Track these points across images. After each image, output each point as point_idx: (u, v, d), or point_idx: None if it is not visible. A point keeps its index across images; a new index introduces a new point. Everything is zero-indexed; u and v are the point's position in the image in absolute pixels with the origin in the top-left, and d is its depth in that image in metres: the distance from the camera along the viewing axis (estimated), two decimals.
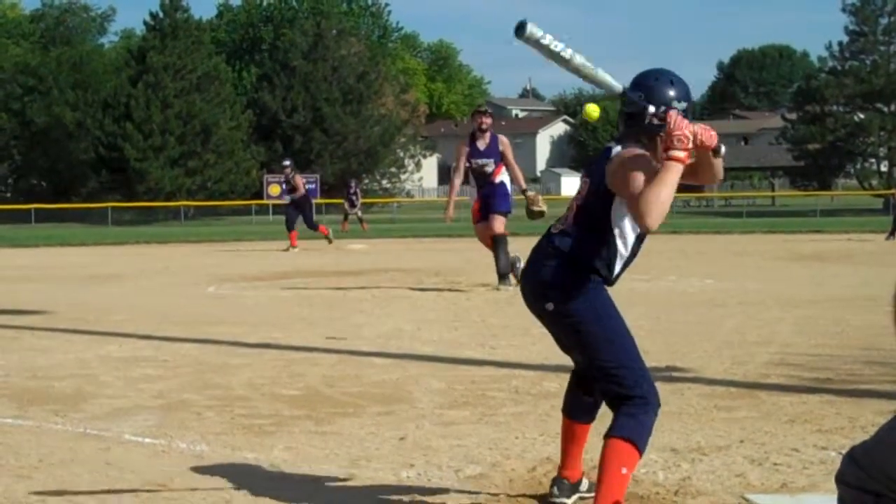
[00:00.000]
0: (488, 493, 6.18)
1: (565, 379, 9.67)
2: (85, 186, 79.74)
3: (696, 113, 6.48)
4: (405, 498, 6.13)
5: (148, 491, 6.35)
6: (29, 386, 9.87)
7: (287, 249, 32.38)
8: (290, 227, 33.28)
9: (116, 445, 7.52)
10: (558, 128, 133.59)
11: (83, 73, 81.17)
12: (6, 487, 6.50)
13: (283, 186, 36.35)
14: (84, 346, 12.48)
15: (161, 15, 76.70)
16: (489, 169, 19.35)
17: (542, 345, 11.81)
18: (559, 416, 8.24)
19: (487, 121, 19.42)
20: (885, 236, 34.37)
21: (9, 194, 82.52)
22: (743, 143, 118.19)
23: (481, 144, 19.34)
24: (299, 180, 34.43)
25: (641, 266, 23.04)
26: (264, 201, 71.09)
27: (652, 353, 11.11)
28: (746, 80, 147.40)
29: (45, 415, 8.57)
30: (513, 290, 16.55)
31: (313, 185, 75.69)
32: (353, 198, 48.78)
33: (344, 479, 6.56)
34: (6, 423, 8.31)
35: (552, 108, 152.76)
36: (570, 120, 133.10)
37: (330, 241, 34.03)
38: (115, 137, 72.76)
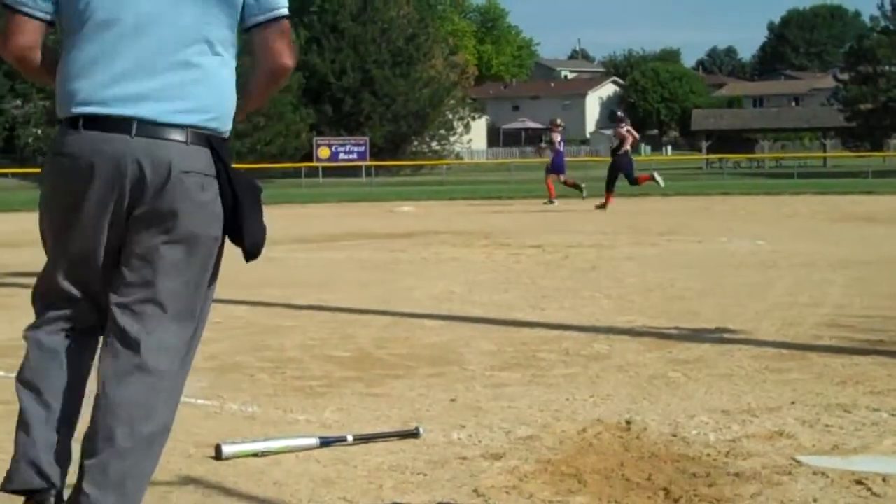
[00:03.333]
0: (539, 455, 6.18)
1: (615, 341, 9.72)
2: None
3: (748, 73, 6.50)
4: (456, 459, 6.14)
5: (201, 451, 6.39)
6: None
7: None
8: None
9: None
10: (608, 89, 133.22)
11: None
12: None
13: None
14: None
15: None
16: None
17: (593, 307, 11.84)
18: (609, 377, 8.25)
19: None
20: None
21: None
22: (794, 104, 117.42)
23: None
24: None
25: (693, 228, 23.02)
26: (314, 164, 71.10)
27: (702, 314, 11.11)
28: (797, 41, 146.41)
29: None
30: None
31: (363, 148, 75.75)
32: None
33: (389, 445, 6.57)
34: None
35: (602, 70, 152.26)
36: (620, 81, 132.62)
37: None
38: None
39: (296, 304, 12.58)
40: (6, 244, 23.22)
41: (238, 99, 4.84)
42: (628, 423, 6.79)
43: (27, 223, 29.34)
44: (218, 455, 6.09)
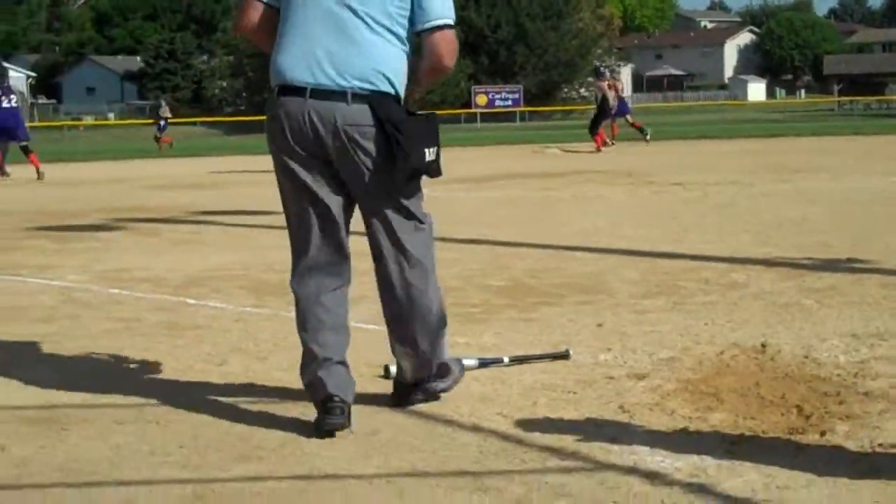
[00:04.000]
0: (679, 375, 6.18)
1: (752, 271, 9.64)
2: None
3: (878, 20, 6.40)
4: (603, 379, 6.16)
5: (371, 371, 6.49)
6: (264, 278, 10.09)
7: None
8: None
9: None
10: (744, 37, 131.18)
11: None
12: (247, 367, 6.69)
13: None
14: None
15: None
16: None
17: (731, 240, 11.74)
18: (746, 304, 8.19)
19: None
20: None
21: (243, 107, 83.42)
22: None
23: None
24: None
25: (826, 166, 22.58)
26: (472, 110, 71.08)
27: (834, 246, 10.96)
28: None
29: (280, 304, 8.75)
30: None
31: (517, 96, 75.62)
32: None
33: (542, 365, 6.60)
34: (245, 311, 8.54)
35: (738, 20, 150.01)
36: (756, 30, 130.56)
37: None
38: None
39: (456, 237, 12.62)
40: (195, 186, 23.60)
41: (407, 85, 5.48)
42: (763, 346, 6.75)
43: (213, 166, 29.70)
44: (386, 374, 6.18)
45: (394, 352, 5.75)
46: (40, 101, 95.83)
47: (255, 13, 5.50)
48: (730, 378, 6.07)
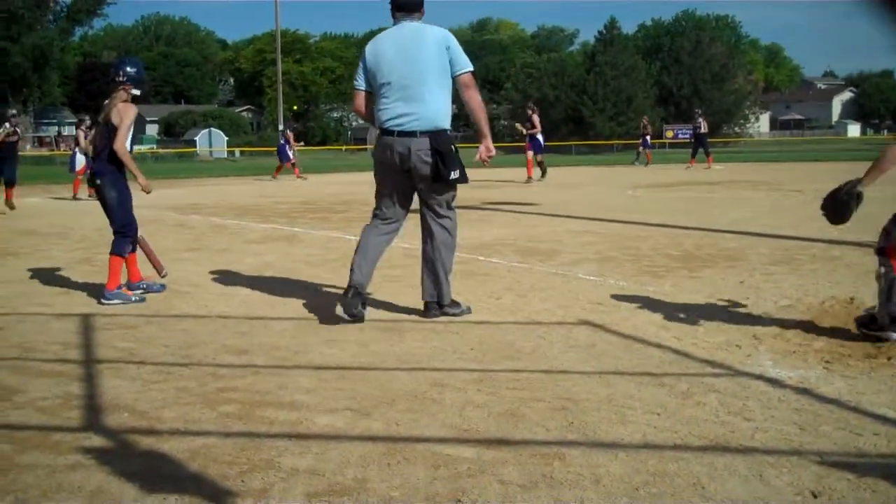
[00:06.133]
0: (794, 316, 5.95)
1: (845, 248, 9.19)
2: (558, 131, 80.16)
3: None
4: (742, 316, 5.99)
5: (594, 304, 6.46)
6: (526, 246, 10.13)
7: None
8: None
9: (573, 280, 7.66)
10: (846, 95, 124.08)
11: (562, 67, 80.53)
12: (514, 301, 6.73)
13: None
14: (557, 224, 12.69)
15: (605, 32, 75.67)
16: None
17: (832, 229, 11.20)
18: (840, 271, 7.82)
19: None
20: None
21: (517, 138, 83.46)
22: None
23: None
24: None
25: None
26: (662, 139, 69.56)
27: None
28: None
29: (536, 262, 8.78)
30: None
31: (691, 132, 73.85)
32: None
33: (702, 306, 6.45)
34: (514, 265, 8.58)
35: (843, 82, 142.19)
36: (854, 90, 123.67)
37: None
38: (578, 104, 72.78)
39: (649, 222, 12.43)
40: (483, 186, 23.81)
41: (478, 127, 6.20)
42: (852, 299, 6.45)
43: (496, 173, 29.78)
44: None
45: (423, 281, 6.14)
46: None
47: (360, 99, 6.06)
48: (828, 319, 5.83)
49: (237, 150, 64.15)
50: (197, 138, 70.86)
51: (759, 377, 4.47)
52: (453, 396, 4.18)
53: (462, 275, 7.99)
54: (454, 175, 5.92)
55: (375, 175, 6.13)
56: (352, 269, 6.00)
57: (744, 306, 6.36)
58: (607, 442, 3.54)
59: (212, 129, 72.82)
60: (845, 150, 53.31)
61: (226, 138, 70.69)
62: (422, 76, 5.79)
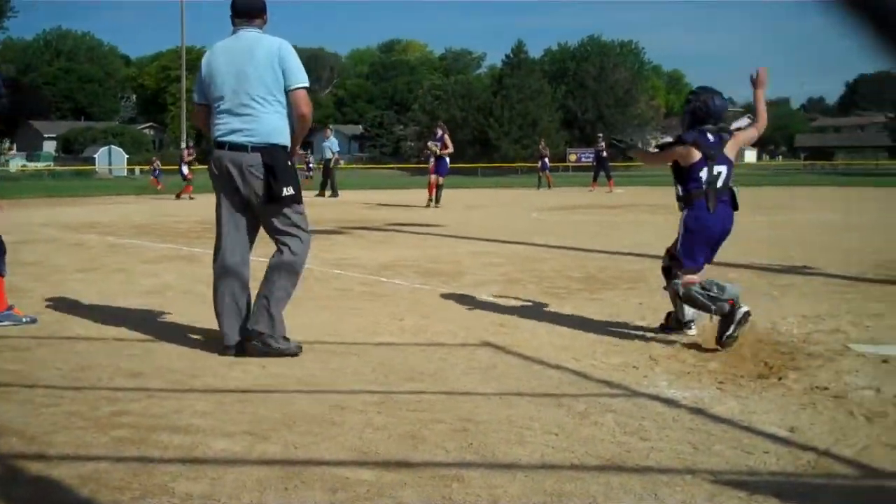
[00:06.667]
0: (689, 337, 6.08)
1: (740, 271, 9.42)
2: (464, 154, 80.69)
3: (831, 112, 6.29)
4: (639, 338, 6.10)
5: (497, 326, 6.50)
6: (429, 267, 10.16)
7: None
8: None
9: (476, 301, 7.70)
10: (744, 121, 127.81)
11: (469, 90, 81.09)
12: (416, 322, 6.73)
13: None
14: (457, 245, 12.76)
15: (512, 55, 76.55)
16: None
17: (728, 252, 11.47)
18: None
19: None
20: None
21: (423, 159, 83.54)
22: (860, 131, 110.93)
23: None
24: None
25: (792, 206, 21.76)
26: (566, 163, 70.42)
27: (794, 256, 10.70)
28: (864, 92, 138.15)
29: (439, 283, 8.81)
30: None
31: (594, 154, 75.00)
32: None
33: (602, 327, 6.55)
34: (417, 287, 8.60)
35: (741, 109, 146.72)
36: (751, 116, 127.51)
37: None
38: (485, 127, 73.35)
39: (551, 245, 12.58)
40: (388, 206, 23.73)
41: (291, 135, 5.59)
42: None
43: (401, 196, 29.62)
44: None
45: (254, 308, 5.60)
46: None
47: (201, 114, 5.77)
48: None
49: (137, 168, 62.95)
50: (96, 156, 69.39)
51: (655, 397, 4.56)
52: (353, 419, 4.16)
53: (364, 296, 7.98)
54: (287, 192, 5.44)
55: (216, 194, 5.71)
56: (223, 332, 5.59)
57: (642, 328, 6.48)
58: (506, 463, 3.57)
59: (112, 146, 71.42)
60: (742, 174, 54.94)
61: (126, 156, 69.36)
62: (253, 90, 5.44)
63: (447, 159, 22.81)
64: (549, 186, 36.07)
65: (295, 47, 5.63)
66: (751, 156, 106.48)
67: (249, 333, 5.52)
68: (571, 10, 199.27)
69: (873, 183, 40.56)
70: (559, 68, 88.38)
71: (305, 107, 5.49)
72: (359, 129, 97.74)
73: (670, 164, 6.09)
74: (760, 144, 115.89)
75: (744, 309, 5.57)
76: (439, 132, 22.65)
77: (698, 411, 4.32)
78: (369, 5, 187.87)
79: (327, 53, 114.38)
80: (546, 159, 37.44)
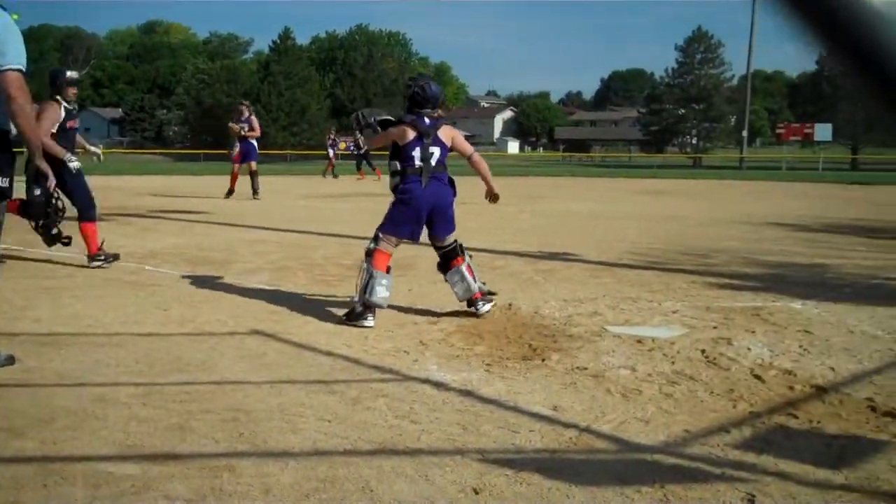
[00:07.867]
0: (458, 322, 6.21)
1: (507, 258, 9.71)
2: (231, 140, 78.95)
3: (588, 106, 6.60)
4: (410, 323, 6.18)
5: (267, 314, 6.41)
6: (198, 255, 9.90)
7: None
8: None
9: (246, 289, 7.57)
10: (507, 113, 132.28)
11: (235, 75, 79.46)
12: (182, 313, 6.54)
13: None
14: (230, 233, 12.50)
15: (279, 42, 75.60)
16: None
17: (494, 238, 11.78)
18: (501, 279, 8.22)
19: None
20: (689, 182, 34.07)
21: (188, 145, 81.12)
22: (614, 126, 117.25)
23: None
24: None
25: (553, 196, 22.64)
26: (322, 152, 70.21)
27: (556, 244, 11.16)
28: (618, 88, 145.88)
29: (208, 271, 8.60)
30: None
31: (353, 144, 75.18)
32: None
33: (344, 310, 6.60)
34: (185, 275, 8.35)
35: (504, 102, 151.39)
36: (515, 109, 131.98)
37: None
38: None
39: (321, 232, 12.55)
40: (155, 194, 22.95)
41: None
42: (510, 305, 6.85)
43: (165, 182, 28.66)
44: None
45: None
46: None
47: None
48: (488, 325, 6.16)
49: None
50: None
51: (426, 381, 4.65)
52: (117, 412, 4.00)
53: (129, 286, 7.68)
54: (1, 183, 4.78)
55: None
56: None
57: (412, 313, 6.58)
58: (278, 451, 3.53)
59: None
60: (506, 165, 56.78)
61: None
62: None
63: (255, 143, 19.94)
64: (335, 175, 35.74)
65: (49, 26, 4.96)
66: (514, 147, 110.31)
67: None
68: None
69: (625, 174, 42.95)
70: (327, 56, 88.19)
71: (17, 89, 4.63)
72: (118, 112, 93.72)
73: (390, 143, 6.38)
74: (522, 135, 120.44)
75: (368, 323, 5.99)
76: (245, 112, 19.95)
77: (467, 393, 4.43)
78: None
79: (84, 33, 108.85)
80: (334, 147, 37.36)
